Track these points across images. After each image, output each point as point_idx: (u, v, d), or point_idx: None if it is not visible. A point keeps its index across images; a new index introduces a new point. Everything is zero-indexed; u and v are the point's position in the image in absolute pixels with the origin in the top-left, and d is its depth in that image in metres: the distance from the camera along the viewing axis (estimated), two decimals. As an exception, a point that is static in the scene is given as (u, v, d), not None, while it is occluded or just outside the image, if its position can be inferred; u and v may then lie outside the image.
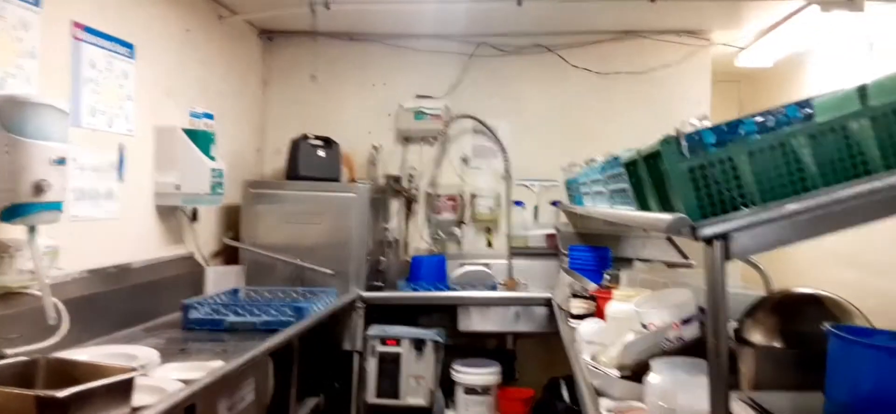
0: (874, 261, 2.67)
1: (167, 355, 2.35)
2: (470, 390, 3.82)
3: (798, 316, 1.64)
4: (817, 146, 1.28)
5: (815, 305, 1.64)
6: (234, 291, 3.38)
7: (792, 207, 1.22)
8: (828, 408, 1.30)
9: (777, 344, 1.60)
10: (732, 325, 1.70)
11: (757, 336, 1.65)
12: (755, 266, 2.91)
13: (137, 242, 3.05)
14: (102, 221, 2.78)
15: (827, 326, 1.32)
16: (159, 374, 2.14)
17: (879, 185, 1.21)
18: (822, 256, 3.13)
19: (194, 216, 3.53)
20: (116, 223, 2.88)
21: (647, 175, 1.63)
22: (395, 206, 4.42)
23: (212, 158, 3.21)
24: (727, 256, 1.23)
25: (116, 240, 2.88)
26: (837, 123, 1.28)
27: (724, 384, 1.22)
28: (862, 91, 1.30)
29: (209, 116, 3.36)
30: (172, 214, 3.35)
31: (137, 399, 1.77)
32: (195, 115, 3.32)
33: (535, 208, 4.37)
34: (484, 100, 4.39)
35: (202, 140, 3.19)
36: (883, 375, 1.21)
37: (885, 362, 1.21)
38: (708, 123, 1.38)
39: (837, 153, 1.27)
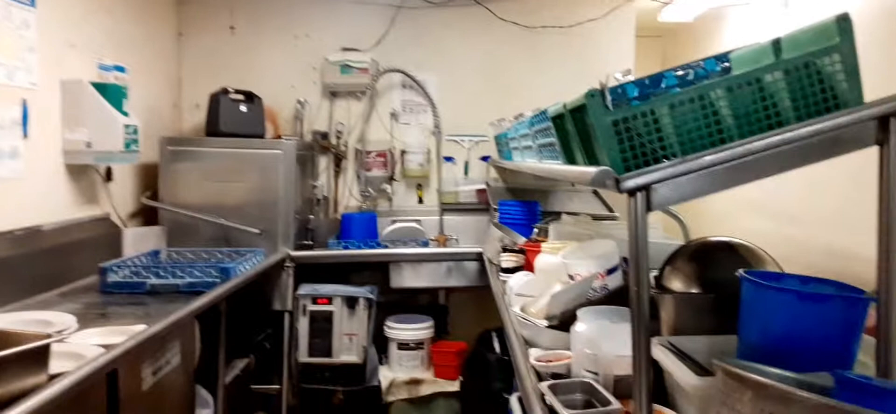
0: (785, 210, 2.81)
1: (85, 321, 2.25)
2: (403, 346, 3.85)
3: (714, 263, 1.71)
4: (734, 99, 1.31)
5: (730, 253, 1.72)
6: (155, 253, 3.25)
7: (709, 158, 1.25)
8: (741, 349, 1.37)
9: (695, 290, 1.67)
10: (653, 273, 1.76)
11: (676, 284, 1.71)
12: (675, 216, 3.03)
13: (47, 203, 2.88)
14: (7, 180, 2.60)
15: (740, 272, 1.38)
16: (77, 339, 2.05)
17: (790, 135, 1.26)
18: (737, 205, 3.27)
19: (108, 175, 3.35)
20: (22, 183, 2.70)
21: (573, 129, 1.65)
22: (323, 162, 4.34)
23: (125, 114, 3.04)
24: (648, 207, 1.26)
25: (23, 201, 2.71)
26: (752, 76, 1.32)
27: (645, 330, 1.25)
28: (776, 45, 1.34)
29: (120, 69, 3.17)
30: (84, 174, 3.17)
31: (55, 366, 1.69)
32: (105, 68, 3.12)
33: (466, 164, 4.38)
34: (412, 53, 4.33)
35: (113, 94, 3.01)
36: (791, 317, 1.27)
37: (793, 305, 1.27)
38: (632, 78, 1.39)
39: (752, 105, 1.31)
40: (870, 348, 1.31)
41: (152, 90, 3.90)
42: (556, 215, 3.39)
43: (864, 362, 1.38)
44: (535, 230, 3.13)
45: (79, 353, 1.87)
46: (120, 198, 3.48)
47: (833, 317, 1.26)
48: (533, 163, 2.42)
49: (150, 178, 3.74)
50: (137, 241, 3.39)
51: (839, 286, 1.36)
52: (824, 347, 1.25)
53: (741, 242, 1.75)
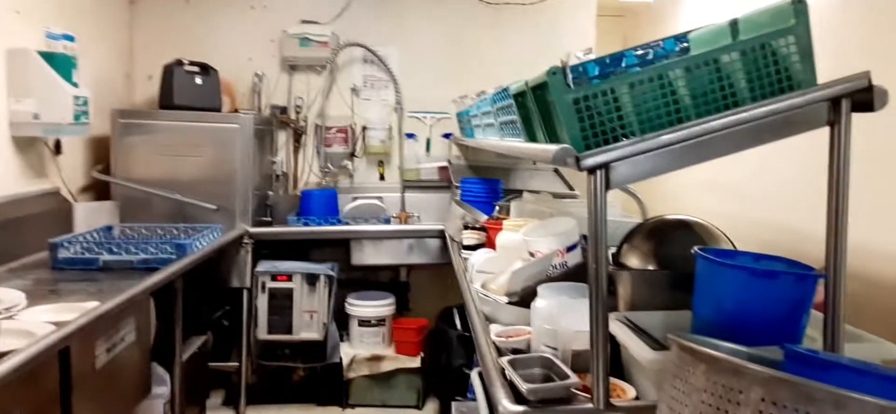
0: (739, 188, 2.88)
1: (35, 297, 2.19)
2: (364, 322, 3.85)
3: (670, 241, 1.74)
4: (691, 79, 1.33)
5: (686, 230, 1.75)
6: (108, 229, 3.16)
7: (667, 137, 1.27)
8: (695, 324, 1.40)
9: (651, 267, 1.70)
10: (612, 250, 1.79)
11: (633, 260, 1.74)
12: (633, 195, 3.07)
13: (-8, 177, 2.77)
14: (-53, 153, 2.50)
15: (695, 249, 1.41)
16: (27, 316, 1.99)
17: (746, 115, 1.28)
18: (693, 184, 3.34)
19: (58, 148, 3.24)
20: (-35, 156, 2.59)
21: (534, 106, 1.65)
22: (282, 138, 4.27)
23: (74, 84, 2.93)
24: (607, 185, 1.27)
25: (-34, 175, 2.61)
26: (710, 57, 1.33)
27: (603, 306, 1.27)
28: (733, 25, 1.36)
29: (69, 38, 3.04)
30: (32, 146, 3.05)
31: (4, 343, 1.65)
32: (52, 37, 2.99)
33: (428, 141, 4.36)
34: (373, 27, 4.26)
35: (62, 64, 2.89)
36: (743, 292, 1.30)
37: (746, 281, 1.31)
38: (593, 56, 1.40)
39: (709, 85, 1.33)
40: (818, 323, 1.35)
41: (103, 60, 3.76)
42: (518, 193, 3.41)
43: (813, 337, 1.43)
44: (497, 208, 3.14)
45: (29, 330, 1.83)
46: (70, 171, 3.37)
47: (783, 293, 1.30)
48: (494, 140, 2.42)
49: (101, 152, 3.63)
50: (89, 216, 3.29)
51: (789, 263, 1.39)
52: (775, 322, 1.28)
53: (696, 220, 1.79)
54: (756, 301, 1.29)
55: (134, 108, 4.06)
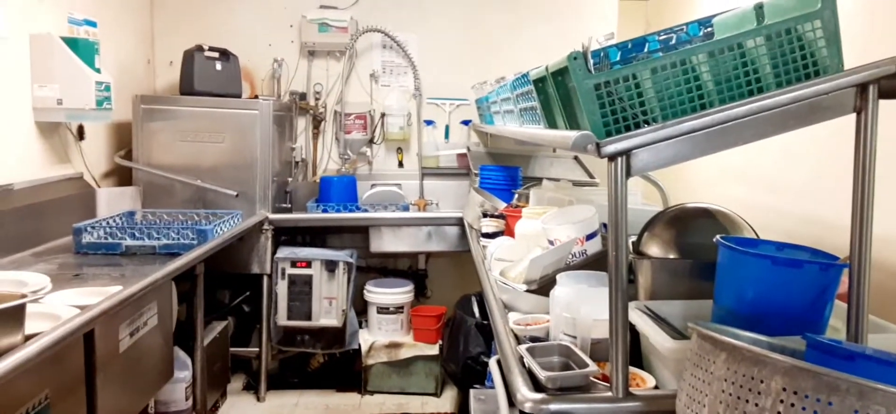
0: (763, 177, 2.84)
1: (60, 282, 2.22)
2: (383, 310, 3.86)
3: (692, 229, 1.72)
4: (715, 64, 1.31)
5: (708, 219, 1.73)
6: (130, 214, 3.20)
7: (689, 123, 1.25)
8: (716, 313, 1.39)
9: (672, 256, 1.68)
10: (632, 239, 1.77)
11: (654, 249, 1.72)
12: (655, 183, 3.04)
13: (17, 162, 2.81)
14: (-26, 139, 2.54)
15: (717, 237, 1.39)
16: (52, 300, 2.01)
17: (771, 102, 1.26)
18: (716, 173, 3.30)
19: (81, 134, 3.28)
20: (-9, 142, 2.64)
21: (555, 92, 1.63)
22: (302, 124, 4.28)
23: (96, 70, 2.96)
24: (628, 172, 1.26)
25: (-8, 160, 2.65)
26: (734, 42, 1.31)
27: (622, 294, 1.26)
28: (759, 9, 1.33)
29: (91, 24, 3.07)
30: (56, 132, 3.10)
31: (31, 326, 1.67)
32: (75, 22, 3.02)
33: (447, 128, 4.35)
34: (392, 13, 4.25)
35: (84, 49, 2.92)
36: (765, 282, 1.29)
37: (767, 270, 1.29)
38: (614, 41, 1.38)
39: (733, 71, 1.31)
40: (842, 314, 1.33)
41: (124, 46, 3.80)
42: (537, 181, 3.39)
43: (836, 327, 1.41)
44: (516, 196, 3.12)
45: (54, 313, 1.85)
46: (93, 157, 3.41)
47: (806, 282, 1.28)
48: (514, 127, 2.40)
49: (123, 138, 3.67)
50: (112, 201, 3.34)
51: (813, 252, 1.37)
52: (797, 312, 1.27)
53: (719, 208, 1.77)
54: (778, 290, 1.28)
55: (155, 94, 4.10)
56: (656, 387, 1.40)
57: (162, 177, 3.59)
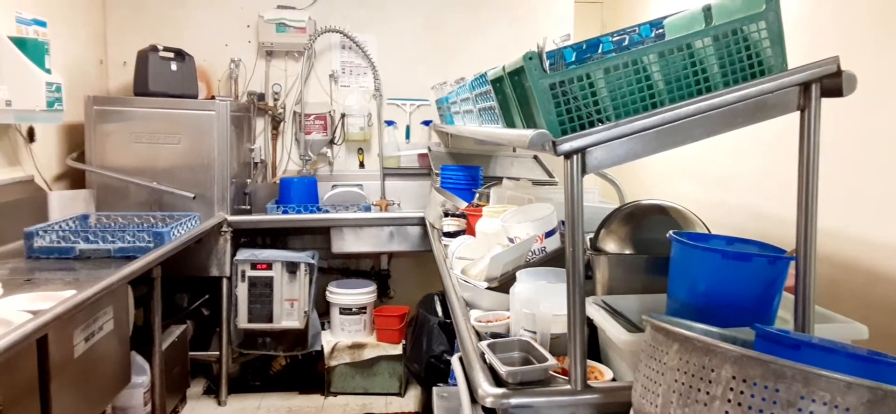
0: (714, 174, 2.92)
1: (11, 287, 2.18)
2: (345, 310, 3.85)
3: (646, 225, 1.76)
4: (665, 64, 1.34)
5: (661, 215, 1.78)
6: (84, 217, 3.12)
7: (641, 122, 1.29)
8: (670, 307, 1.43)
9: (628, 251, 1.72)
10: (589, 235, 1.81)
11: (610, 245, 1.76)
12: (611, 181, 3.10)
13: (-37, 166, 2.72)
14: (-84, 142, 2.44)
15: (670, 233, 1.43)
16: (3, 306, 1.96)
17: (718, 100, 1.30)
18: (670, 170, 3.38)
19: (31, 136, 3.19)
20: (-66, 145, 2.54)
21: (512, 92, 1.66)
22: (260, 125, 4.23)
23: (47, 70, 2.88)
24: (584, 170, 1.29)
25: (-64, 163, 2.56)
26: (684, 42, 1.35)
27: (580, 290, 1.29)
28: (707, 11, 1.37)
29: (41, 23, 2.99)
30: (5, 133, 3.01)
31: (-21, 333, 1.63)
32: (23, 22, 2.93)
33: (408, 128, 4.35)
34: (351, 13, 4.23)
35: (33, 49, 2.84)
36: (716, 275, 1.33)
37: (718, 263, 1.33)
38: (570, 42, 1.41)
39: (683, 71, 1.35)
40: (790, 305, 1.38)
41: (76, 46, 3.70)
42: (498, 180, 3.42)
43: (784, 318, 1.46)
44: (477, 195, 3.15)
45: (6, 318, 1.81)
46: (44, 159, 3.32)
47: (755, 275, 1.32)
48: (473, 127, 2.43)
49: (75, 139, 3.58)
50: (64, 204, 3.25)
51: (761, 246, 1.42)
52: (747, 304, 1.31)
53: (672, 204, 1.81)
54: (729, 283, 1.32)
55: (108, 94, 4.00)
56: (614, 379, 1.44)
57: (116, 179, 3.51)
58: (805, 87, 1.30)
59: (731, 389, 0.90)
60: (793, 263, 1.34)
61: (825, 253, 1.98)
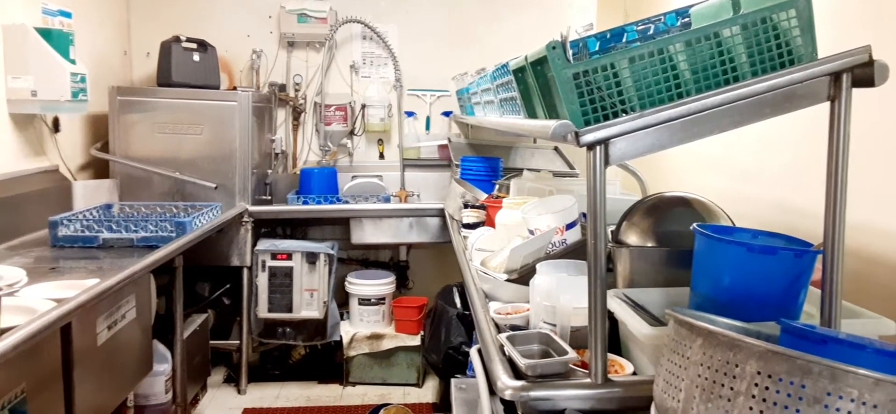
0: (739, 165, 2.87)
1: (36, 275, 2.20)
2: (364, 301, 3.86)
3: (669, 218, 1.74)
4: (692, 53, 1.32)
5: (685, 207, 1.75)
6: (107, 207, 3.16)
7: (666, 112, 1.26)
8: (693, 300, 1.40)
9: (650, 244, 1.70)
10: (611, 228, 1.79)
11: (632, 237, 1.74)
12: (634, 173, 3.07)
13: (-9, 155, 2.77)
14: (-55, 131, 2.49)
15: (694, 225, 1.41)
16: (28, 293, 1.99)
17: (746, 90, 1.27)
18: (694, 162, 3.33)
19: (56, 126, 3.23)
20: (-38, 134, 2.58)
21: (534, 82, 1.64)
22: (281, 116, 4.25)
23: (72, 61, 2.91)
24: (607, 161, 1.27)
25: (-36, 152, 2.60)
26: (711, 31, 1.32)
27: (601, 282, 1.28)
28: None
29: (66, 14, 3.02)
30: (30, 124, 3.05)
31: (6, 320, 1.65)
32: (49, 13, 2.97)
33: (428, 119, 4.34)
34: (372, 3, 4.22)
35: (59, 40, 2.87)
36: (741, 269, 1.31)
37: (743, 257, 1.31)
38: (593, 32, 1.38)
39: (710, 60, 1.32)
40: (816, 299, 1.35)
41: (100, 37, 3.74)
42: (518, 172, 3.40)
43: (811, 313, 1.44)
44: (497, 186, 3.13)
45: (30, 306, 1.83)
46: (69, 149, 3.36)
47: (781, 269, 1.30)
48: (494, 118, 2.41)
49: (100, 130, 3.62)
50: (88, 194, 3.29)
51: (788, 240, 1.40)
52: (773, 298, 1.29)
53: (695, 196, 1.79)
54: (754, 277, 1.30)
55: (132, 85, 4.04)
56: (634, 373, 1.42)
57: (139, 169, 3.55)
58: (835, 76, 1.27)
59: (756, 384, 0.88)
60: (820, 257, 1.31)
61: (853, 247, 1.93)
